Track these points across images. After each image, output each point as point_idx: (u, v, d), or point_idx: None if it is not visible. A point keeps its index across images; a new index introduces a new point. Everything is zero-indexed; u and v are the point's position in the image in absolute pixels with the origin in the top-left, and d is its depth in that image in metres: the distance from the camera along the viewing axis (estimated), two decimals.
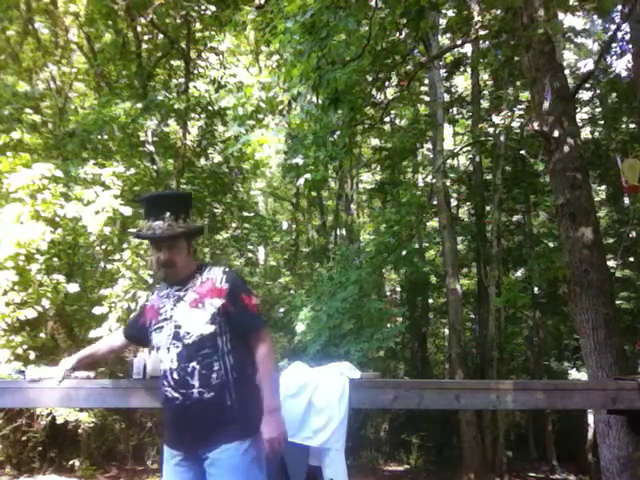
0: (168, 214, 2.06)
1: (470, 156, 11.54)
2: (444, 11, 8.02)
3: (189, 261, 2.17)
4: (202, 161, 10.47)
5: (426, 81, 10.96)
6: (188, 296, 2.09)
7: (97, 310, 6.83)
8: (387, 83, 6.57)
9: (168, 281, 2.17)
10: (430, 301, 13.75)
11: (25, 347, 6.47)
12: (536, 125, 4.86)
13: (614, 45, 8.66)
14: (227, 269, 2.20)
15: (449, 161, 11.72)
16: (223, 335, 2.05)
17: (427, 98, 11.39)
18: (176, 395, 1.99)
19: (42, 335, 7.21)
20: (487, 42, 8.07)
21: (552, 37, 4.96)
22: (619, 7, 5.86)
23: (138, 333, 2.28)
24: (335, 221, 13.60)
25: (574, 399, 2.57)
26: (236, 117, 5.96)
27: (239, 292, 2.13)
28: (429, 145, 12.50)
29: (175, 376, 2.00)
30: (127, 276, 7.06)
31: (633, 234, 10.04)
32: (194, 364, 1.98)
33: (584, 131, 11.15)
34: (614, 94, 10.78)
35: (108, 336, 2.44)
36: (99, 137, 7.90)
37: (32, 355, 6.50)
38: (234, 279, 2.16)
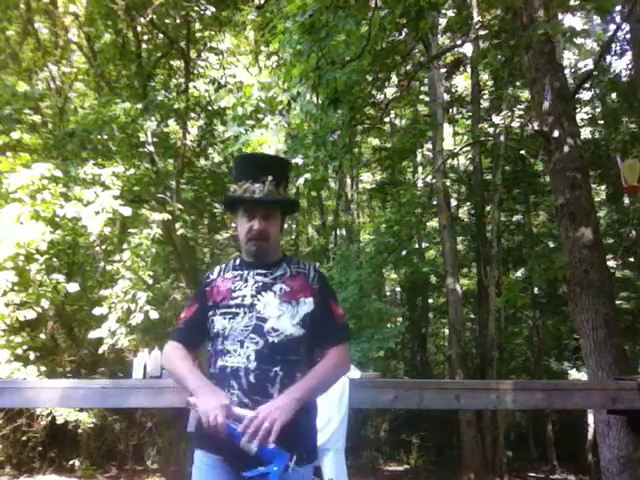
0: (270, 178, 1.77)
1: (470, 156, 11.54)
2: (444, 11, 8.03)
3: (279, 242, 1.91)
4: (202, 161, 10.48)
5: (426, 81, 10.97)
6: (278, 287, 1.78)
7: (97, 311, 6.84)
8: (387, 83, 6.58)
9: (256, 258, 1.82)
10: (430, 301, 13.75)
11: (25, 347, 6.49)
12: (536, 125, 4.87)
13: (614, 45, 8.66)
14: (318, 267, 1.94)
15: (449, 161, 11.72)
16: (307, 342, 1.75)
17: (427, 98, 11.39)
18: (245, 401, 1.63)
19: (42, 336, 7.22)
20: (487, 42, 8.08)
21: (552, 37, 4.97)
22: (619, 7, 5.87)
23: (199, 330, 1.82)
24: (335, 221, 13.60)
25: (574, 399, 2.57)
26: (235, 117, 5.96)
27: (329, 297, 1.86)
28: (429, 145, 12.50)
29: (252, 379, 1.64)
30: (127, 277, 7.07)
31: (633, 234, 10.03)
32: (277, 369, 1.66)
33: (584, 131, 11.15)
34: (614, 94, 10.78)
35: (177, 354, 1.83)
36: (99, 137, 7.90)
37: (32, 355, 6.51)
38: (325, 281, 1.89)
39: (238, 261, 1.90)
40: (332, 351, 1.78)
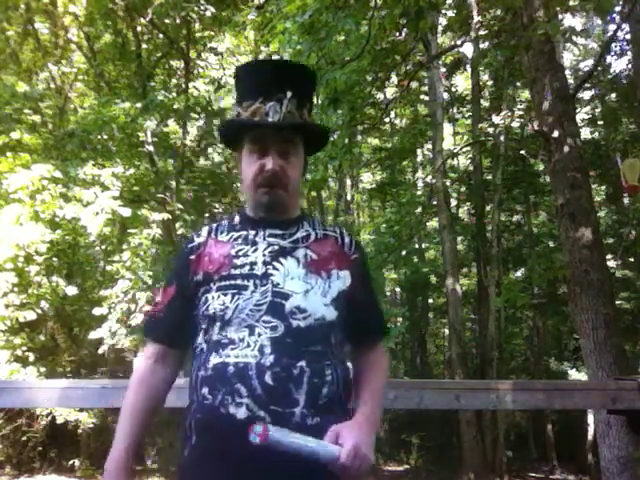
0: (290, 94, 1.23)
1: (470, 156, 11.56)
2: (444, 11, 8.03)
3: (299, 192, 1.40)
4: (202, 161, 10.49)
5: (426, 81, 10.98)
6: (301, 253, 1.26)
7: (97, 311, 6.84)
8: (387, 83, 6.58)
9: (269, 212, 1.29)
10: (430, 301, 13.76)
11: (24, 349, 6.49)
12: (536, 125, 4.87)
13: (614, 45, 8.66)
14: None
15: (449, 161, 11.73)
16: (339, 331, 1.26)
17: (427, 98, 11.40)
18: (260, 414, 1.10)
19: (41, 336, 7.23)
20: (487, 42, 8.08)
21: (552, 37, 4.97)
22: (619, 8, 5.87)
23: (185, 319, 1.27)
24: (335, 221, 13.61)
25: (574, 399, 2.56)
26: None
27: (369, 274, 1.40)
28: (429, 145, 12.51)
29: (268, 380, 1.12)
30: (127, 277, 7.07)
31: (633, 234, 10.04)
32: (302, 364, 1.15)
33: (584, 131, 11.16)
34: (614, 94, 10.79)
35: (138, 379, 1.30)
36: (99, 137, 7.91)
37: (31, 357, 6.51)
38: (364, 252, 1.40)
39: (238, 218, 1.36)
40: (378, 351, 1.37)
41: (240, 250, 1.26)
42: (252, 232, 1.30)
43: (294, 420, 1.12)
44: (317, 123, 1.40)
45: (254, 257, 1.24)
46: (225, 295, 1.20)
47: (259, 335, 1.16)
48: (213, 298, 1.21)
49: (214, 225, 1.37)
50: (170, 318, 1.30)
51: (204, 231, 1.35)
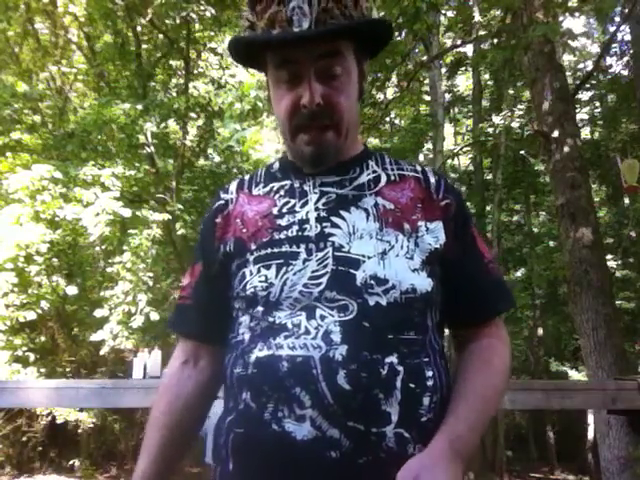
0: None
1: (470, 156, 11.56)
2: (444, 11, 8.04)
3: (357, 122, 1.00)
4: (202, 161, 10.49)
5: (427, 81, 10.99)
6: (370, 201, 0.91)
7: (98, 312, 6.84)
8: (387, 83, 6.58)
9: (315, 166, 0.93)
10: None
11: (25, 349, 6.50)
12: (536, 125, 4.87)
13: (614, 46, 8.67)
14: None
15: (449, 161, 11.73)
16: (437, 308, 0.91)
17: (427, 98, 11.41)
18: (332, 433, 0.77)
19: (42, 337, 7.23)
20: (487, 43, 8.09)
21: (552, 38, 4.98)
22: (618, 8, 5.87)
23: (218, 301, 0.96)
24: None
25: (574, 399, 2.56)
26: (233, 115, 5.98)
27: (469, 222, 0.99)
28: (429, 145, 12.52)
29: (342, 382, 0.78)
30: (127, 278, 7.07)
31: (633, 234, 10.04)
32: (394, 360, 0.81)
33: (584, 131, 11.16)
34: (614, 94, 10.80)
35: (162, 388, 0.99)
36: (99, 138, 7.91)
37: (32, 357, 6.52)
38: (460, 194, 1.01)
39: (278, 165, 1.02)
40: (492, 335, 0.96)
41: (284, 205, 0.92)
42: (297, 182, 0.95)
43: (385, 445, 0.77)
44: (371, 17, 0.90)
45: (304, 213, 0.90)
46: (267, 268, 0.87)
47: (322, 318, 0.81)
48: (251, 273, 0.88)
49: (246, 177, 1.03)
50: (199, 305, 1.00)
51: (233, 185, 1.02)
